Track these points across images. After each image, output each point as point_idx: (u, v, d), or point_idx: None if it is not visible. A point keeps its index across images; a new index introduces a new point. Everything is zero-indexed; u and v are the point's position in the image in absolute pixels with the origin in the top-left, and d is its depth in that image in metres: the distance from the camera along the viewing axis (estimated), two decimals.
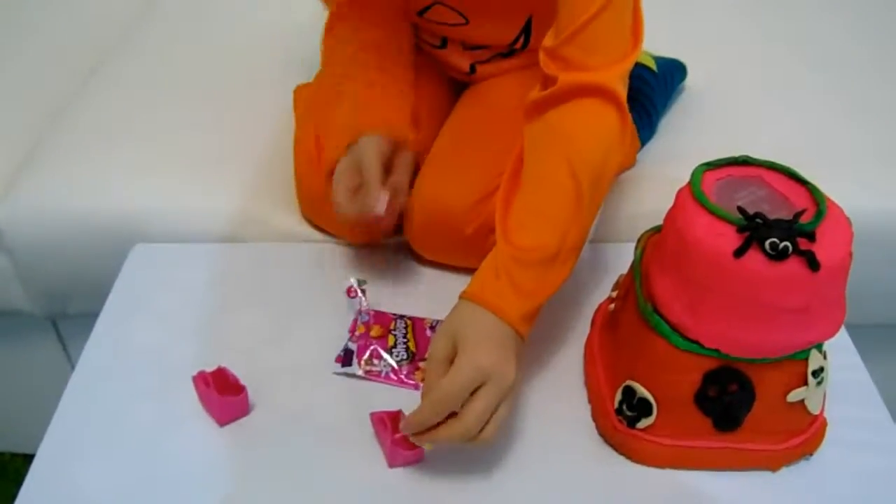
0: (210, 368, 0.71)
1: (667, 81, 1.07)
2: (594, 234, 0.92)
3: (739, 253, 0.60)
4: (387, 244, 0.90)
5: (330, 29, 0.91)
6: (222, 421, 0.70)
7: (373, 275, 0.86)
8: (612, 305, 0.75)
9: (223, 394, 0.69)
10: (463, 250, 0.83)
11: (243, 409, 0.71)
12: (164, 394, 0.73)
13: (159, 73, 1.16)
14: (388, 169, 0.81)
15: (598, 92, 0.70)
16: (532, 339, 0.70)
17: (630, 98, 0.92)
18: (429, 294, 0.85)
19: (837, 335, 0.65)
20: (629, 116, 0.73)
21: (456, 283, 0.70)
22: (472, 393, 0.61)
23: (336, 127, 0.85)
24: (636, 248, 0.73)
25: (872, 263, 0.92)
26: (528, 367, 0.76)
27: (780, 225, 0.60)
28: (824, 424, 0.71)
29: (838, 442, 0.70)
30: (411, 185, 0.85)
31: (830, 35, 1.26)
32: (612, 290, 0.78)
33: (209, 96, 1.10)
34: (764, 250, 0.60)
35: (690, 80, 1.12)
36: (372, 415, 0.69)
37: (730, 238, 0.61)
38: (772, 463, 0.69)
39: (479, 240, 0.81)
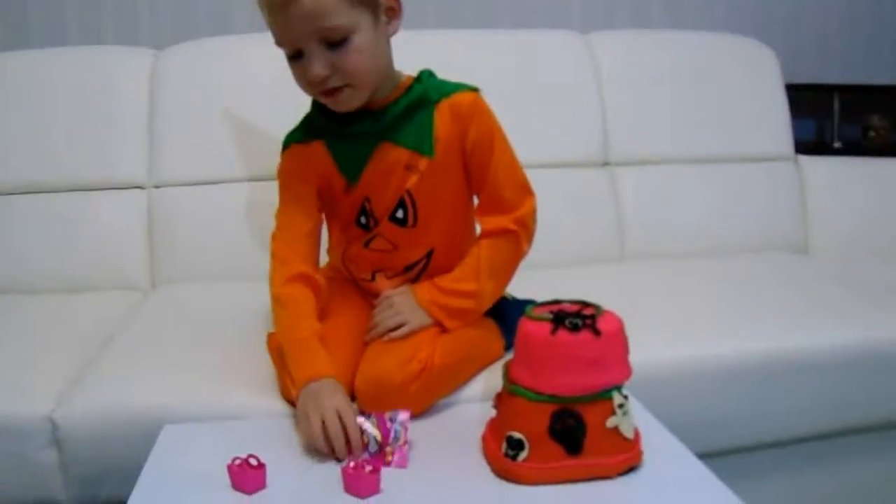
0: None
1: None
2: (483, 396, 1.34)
3: (553, 332, 1.06)
4: None
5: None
6: (249, 491, 1.04)
7: None
8: (494, 409, 1.17)
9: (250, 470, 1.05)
10: (395, 397, 1.24)
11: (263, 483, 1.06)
12: None
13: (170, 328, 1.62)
14: None
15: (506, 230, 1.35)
16: (453, 443, 1.17)
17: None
18: None
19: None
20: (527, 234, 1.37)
21: None
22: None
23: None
24: (503, 368, 1.16)
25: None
26: (449, 456, 1.15)
27: (573, 314, 1.07)
28: (640, 451, 1.10)
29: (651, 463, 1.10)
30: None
31: None
32: (493, 405, 1.20)
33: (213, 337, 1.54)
34: (567, 328, 1.05)
35: None
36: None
37: (547, 328, 1.06)
38: (609, 472, 1.07)
39: (405, 388, 1.23)
